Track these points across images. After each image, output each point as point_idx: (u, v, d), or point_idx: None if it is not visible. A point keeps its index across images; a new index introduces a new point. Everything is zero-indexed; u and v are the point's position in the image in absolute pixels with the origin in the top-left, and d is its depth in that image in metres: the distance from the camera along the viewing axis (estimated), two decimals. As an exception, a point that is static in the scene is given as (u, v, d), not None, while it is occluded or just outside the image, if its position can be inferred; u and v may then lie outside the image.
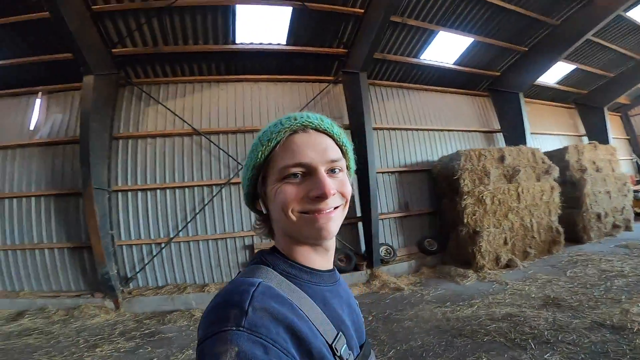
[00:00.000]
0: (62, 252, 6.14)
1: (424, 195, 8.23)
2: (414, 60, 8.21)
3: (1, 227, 6.20)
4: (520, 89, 9.82)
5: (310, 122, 0.68)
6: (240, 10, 6.05)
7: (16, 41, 5.70)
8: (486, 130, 10.05)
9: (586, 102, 12.69)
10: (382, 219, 7.61)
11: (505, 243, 7.20)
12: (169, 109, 6.68)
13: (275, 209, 0.68)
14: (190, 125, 6.70)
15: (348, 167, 0.77)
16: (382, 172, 8.00)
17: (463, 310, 4.71)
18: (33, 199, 6.23)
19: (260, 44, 6.84)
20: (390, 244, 7.67)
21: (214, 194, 6.61)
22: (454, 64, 8.93)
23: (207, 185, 6.67)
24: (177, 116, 6.65)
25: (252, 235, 6.75)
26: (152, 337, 4.65)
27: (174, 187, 6.53)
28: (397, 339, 4.00)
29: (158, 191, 6.46)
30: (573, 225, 8.68)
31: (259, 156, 0.68)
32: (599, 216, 8.82)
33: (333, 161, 0.68)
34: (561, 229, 7.89)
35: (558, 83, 11.36)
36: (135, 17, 5.71)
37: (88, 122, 5.49)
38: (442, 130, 9.18)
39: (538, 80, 10.04)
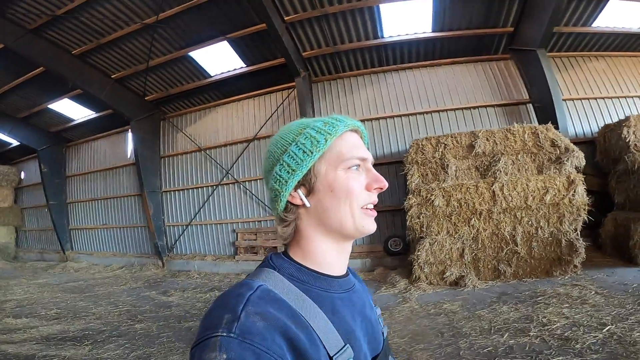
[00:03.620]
0: (136, 229, 9.77)
1: (400, 190, 7.16)
2: (374, 42, 7.29)
3: (107, 216, 10.30)
4: (537, 44, 6.61)
5: (359, 127, 0.73)
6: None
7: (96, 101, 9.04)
8: (506, 103, 7.41)
9: None
10: None
11: (462, 255, 5.69)
12: (185, 134, 9.13)
13: (334, 199, 0.66)
14: (196, 144, 8.98)
15: None
16: None
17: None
18: (124, 198, 9.97)
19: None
20: None
21: (211, 192, 8.72)
22: (435, 31, 7.12)
23: (209, 186, 8.81)
24: (190, 139, 9.04)
25: (238, 222, 8.50)
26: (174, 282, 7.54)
27: (193, 188, 8.98)
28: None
29: (187, 191, 9.11)
30: (625, 238, 5.43)
31: (325, 142, 0.66)
32: None
33: (372, 161, 0.73)
34: (580, 243, 5.22)
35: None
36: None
37: (139, 150, 8.75)
38: (428, 112, 7.66)
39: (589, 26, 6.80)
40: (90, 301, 6.31)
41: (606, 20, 6.87)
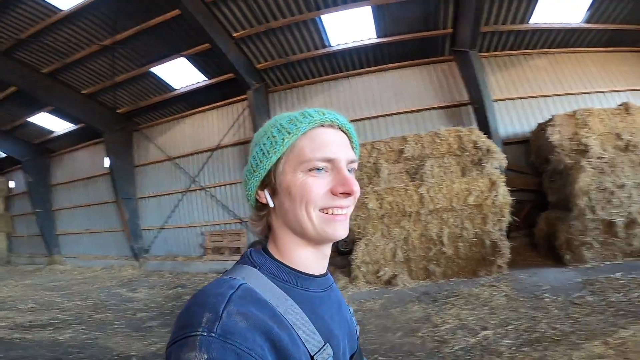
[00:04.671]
0: (115, 233, 10.19)
1: (352, 193, 7.46)
2: (323, 51, 7.50)
3: (90, 221, 10.78)
4: (468, 45, 6.73)
5: (337, 119, 0.67)
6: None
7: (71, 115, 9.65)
8: (449, 105, 7.54)
9: None
10: None
11: (394, 256, 5.92)
12: (155, 144, 9.54)
13: (291, 202, 0.64)
14: (165, 153, 9.38)
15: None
16: None
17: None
18: (104, 205, 10.45)
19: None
20: None
21: (181, 198, 9.14)
22: (380, 37, 7.30)
23: (179, 193, 9.23)
24: (160, 149, 9.45)
25: (206, 225, 8.91)
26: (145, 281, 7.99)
27: (165, 195, 9.44)
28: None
29: (159, 197, 9.59)
30: (555, 237, 5.55)
31: (284, 143, 0.64)
32: (611, 225, 5.14)
33: (352, 161, 0.67)
34: (504, 244, 5.38)
35: (588, 22, 6.99)
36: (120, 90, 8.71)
37: (113, 160, 9.17)
38: (376, 117, 7.87)
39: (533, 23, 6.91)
40: (65, 297, 6.91)
41: (543, 16, 6.90)
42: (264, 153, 0.66)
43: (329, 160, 0.63)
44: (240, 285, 0.56)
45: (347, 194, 0.64)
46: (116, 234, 10.27)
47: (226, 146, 8.75)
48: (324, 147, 0.64)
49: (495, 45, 7.54)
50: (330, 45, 7.50)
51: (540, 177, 6.49)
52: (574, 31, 7.28)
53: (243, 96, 8.31)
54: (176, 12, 6.37)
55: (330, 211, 0.64)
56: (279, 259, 0.67)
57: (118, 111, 9.23)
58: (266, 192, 0.67)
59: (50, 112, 9.45)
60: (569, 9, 6.76)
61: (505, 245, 5.37)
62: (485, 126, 6.67)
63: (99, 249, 10.82)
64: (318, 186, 0.63)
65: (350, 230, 4.95)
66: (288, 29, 7.02)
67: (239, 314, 0.50)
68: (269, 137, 0.66)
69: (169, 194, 9.47)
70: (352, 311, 0.82)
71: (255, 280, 0.60)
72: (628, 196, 5.27)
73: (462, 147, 5.69)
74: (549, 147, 5.91)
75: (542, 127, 6.25)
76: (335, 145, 0.65)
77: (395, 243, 5.82)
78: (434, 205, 5.56)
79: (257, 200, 0.70)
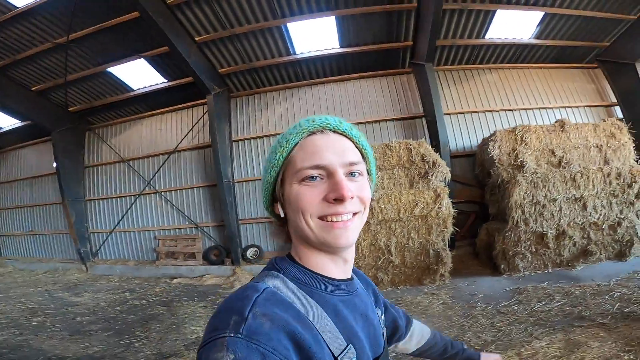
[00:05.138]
0: (60, 236, 9.75)
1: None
2: (288, 58, 7.60)
3: (33, 223, 10.17)
4: (424, 58, 7.13)
5: (329, 124, 0.67)
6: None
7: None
8: (404, 117, 7.87)
9: (612, 58, 7.63)
10: (244, 224, 7.89)
11: None
12: (109, 145, 9.23)
13: (293, 212, 0.66)
14: (119, 154, 9.08)
15: (369, 172, 0.74)
16: (244, 181, 8.15)
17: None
18: (49, 206, 9.88)
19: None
20: (259, 246, 7.79)
21: (133, 201, 8.82)
22: (343, 46, 7.53)
23: (131, 196, 8.92)
24: (114, 150, 9.15)
25: (159, 229, 8.66)
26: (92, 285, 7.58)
27: (117, 197, 9.08)
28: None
29: (110, 200, 9.18)
30: (492, 248, 5.97)
31: (278, 157, 0.67)
32: (542, 236, 5.61)
33: (352, 164, 0.66)
34: (446, 253, 5.65)
35: (538, 37, 7.48)
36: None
37: (60, 160, 8.74)
38: None
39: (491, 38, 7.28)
40: (2, 301, 6.48)
41: (497, 32, 7.24)
42: (266, 169, 0.70)
43: (321, 167, 0.64)
44: (265, 289, 0.58)
45: (339, 201, 0.63)
46: (62, 237, 9.72)
47: (184, 150, 8.56)
48: (312, 154, 0.64)
49: (453, 59, 7.89)
50: (294, 53, 7.60)
51: (484, 189, 6.88)
52: (524, 47, 7.70)
53: (203, 100, 8.21)
54: (136, 13, 6.23)
55: (328, 218, 0.64)
56: (301, 263, 0.69)
57: (70, 109, 8.82)
58: (279, 204, 0.70)
59: (-3, 107, 8.89)
60: (520, 25, 7.14)
61: (447, 255, 5.65)
62: (436, 139, 7.01)
63: (43, 251, 10.20)
64: (311, 195, 0.64)
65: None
66: (253, 35, 7.04)
67: (263, 315, 0.52)
68: (272, 152, 0.69)
69: (121, 196, 9.11)
70: (380, 314, 0.83)
71: (279, 284, 0.63)
72: (559, 209, 5.71)
73: (411, 159, 5.94)
74: (490, 161, 6.29)
75: (485, 142, 6.63)
76: (326, 150, 0.65)
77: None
78: (383, 216, 5.74)
79: (274, 212, 0.73)
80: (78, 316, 5.54)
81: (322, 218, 0.64)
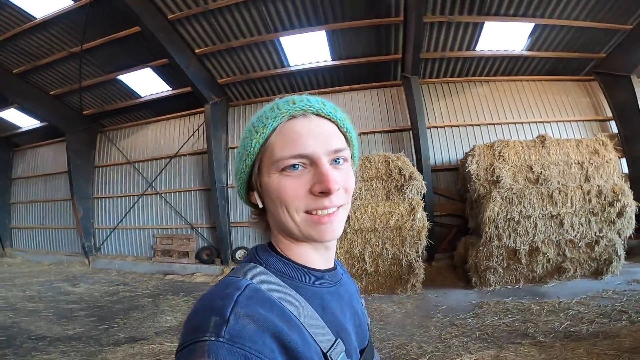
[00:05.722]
0: (68, 230, 10.44)
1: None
2: (282, 70, 7.95)
3: (45, 217, 10.91)
4: (410, 71, 7.27)
5: (311, 106, 0.61)
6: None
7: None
8: (392, 130, 8.09)
9: (608, 70, 7.43)
10: (235, 227, 8.31)
11: None
12: (117, 147, 9.88)
13: (273, 205, 0.62)
14: (125, 156, 9.71)
15: (352, 156, 0.69)
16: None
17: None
18: (60, 202, 10.64)
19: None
20: (248, 248, 8.05)
21: (136, 200, 9.39)
22: (334, 59, 7.81)
23: (135, 196, 9.48)
24: (121, 152, 9.79)
25: (157, 228, 9.16)
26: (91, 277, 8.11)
27: (121, 197, 9.68)
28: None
29: (115, 199, 9.81)
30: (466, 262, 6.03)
31: (253, 144, 0.61)
32: (515, 252, 5.63)
33: (337, 151, 0.61)
34: (419, 264, 5.78)
35: (530, 49, 7.37)
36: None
37: (72, 159, 9.42)
38: None
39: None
40: (5, 288, 7.08)
41: (488, 44, 7.23)
42: (240, 157, 0.64)
43: (303, 156, 0.59)
44: (247, 285, 0.54)
45: (324, 194, 0.58)
46: (69, 231, 10.41)
47: (184, 155, 9.09)
48: (294, 142, 0.59)
49: (444, 72, 7.98)
50: (289, 65, 7.96)
51: (466, 203, 6.97)
52: (517, 59, 7.63)
53: (202, 108, 8.69)
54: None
55: (314, 212, 0.60)
56: (284, 254, 0.65)
57: (84, 113, 9.53)
58: (255, 194, 0.65)
59: (19, 108, 9.68)
60: (511, 37, 7.08)
61: (420, 266, 5.79)
62: (420, 152, 7.19)
63: (51, 244, 10.91)
64: (295, 187, 0.59)
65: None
66: (248, 48, 7.45)
67: (246, 316, 0.49)
68: (245, 138, 0.64)
69: (125, 195, 9.69)
70: (364, 304, 0.79)
71: (262, 279, 0.58)
72: (534, 226, 5.66)
73: (389, 172, 6.15)
74: (469, 175, 6.40)
75: (466, 156, 6.73)
76: (308, 137, 0.59)
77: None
78: (359, 225, 5.93)
79: (250, 201, 0.68)
80: (70, 304, 6.05)
81: (308, 212, 0.60)
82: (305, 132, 0.59)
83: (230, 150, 8.67)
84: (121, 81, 8.51)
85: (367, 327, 0.75)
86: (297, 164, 0.59)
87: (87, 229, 9.66)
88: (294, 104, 0.61)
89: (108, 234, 9.78)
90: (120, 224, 9.62)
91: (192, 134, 9.02)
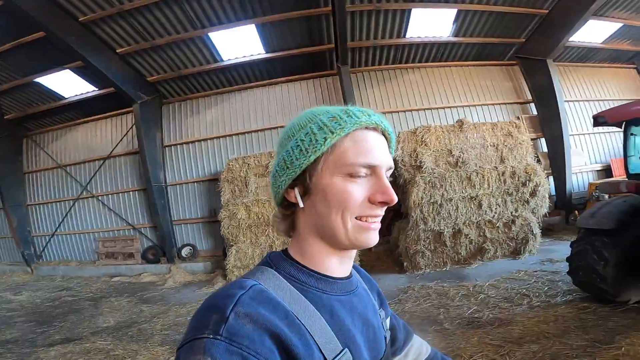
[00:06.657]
0: (5, 240, 9.83)
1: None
2: (215, 65, 7.83)
3: None
4: (341, 60, 7.49)
5: (382, 122, 0.64)
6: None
7: None
8: None
9: (527, 54, 7.99)
10: (179, 224, 8.30)
11: None
12: (45, 151, 9.45)
13: (325, 206, 0.61)
14: (55, 160, 9.31)
15: None
16: (177, 184, 8.49)
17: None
18: None
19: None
20: (194, 245, 8.23)
21: (72, 204, 9.10)
22: (268, 52, 7.77)
23: (70, 200, 9.17)
24: (50, 156, 9.36)
25: (99, 231, 8.97)
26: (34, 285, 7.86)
27: (56, 202, 9.32)
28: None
29: (51, 204, 9.44)
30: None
31: (326, 142, 0.60)
32: (440, 235, 5.89)
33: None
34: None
35: (456, 35, 7.71)
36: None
37: (1, 167, 8.95)
38: (262, 129, 8.44)
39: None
40: None
41: (417, 31, 7.42)
42: (301, 150, 0.62)
43: (371, 167, 0.61)
44: (252, 286, 0.54)
45: (385, 203, 0.62)
46: (6, 241, 9.91)
47: (119, 155, 8.83)
48: (368, 152, 0.60)
49: (378, 60, 8.16)
50: (222, 60, 7.84)
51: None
52: (445, 45, 7.94)
53: (131, 108, 8.42)
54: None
55: (365, 219, 0.61)
56: (299, 260, 0.64)
57: (5, 118, 8.92)
58: (297, 190, 0.63)
59: None
60: (438, 23, 7.30)
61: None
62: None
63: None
64: (358, 193, 0.60)
65: (223, 237, 4.98)
66: (176, 45, 7.24)
67: (246, 315, 0.49)
68: (308, 133, 0.62)
69: (60, 200, 9.32)
70: (383, 316, 0.78)
71: (270, 281, 0.59)
72: (455, 208, 5.96)
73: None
74: (395, 162, 6.67)
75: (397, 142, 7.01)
76: (378, 150, 0.62)
77: (262, 250, 6.41)
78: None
79: (284, 197, 0.66)
80: (10, 311, 6.04)
81: (358, 218, 0.61)
82: (377, 145, 0.62)
83: (166, 148, 8.51)
84: (40, 84, 8.01)
85: (384, 340, 0.73)
86: (364, 174, 0.60)
87: (25, 237, 9.26)
88: (370, 116, 0.63)
89: (47, 240, 9.42)
90: (58, 230, 9.29)
91: (125, 134, 8.75)
